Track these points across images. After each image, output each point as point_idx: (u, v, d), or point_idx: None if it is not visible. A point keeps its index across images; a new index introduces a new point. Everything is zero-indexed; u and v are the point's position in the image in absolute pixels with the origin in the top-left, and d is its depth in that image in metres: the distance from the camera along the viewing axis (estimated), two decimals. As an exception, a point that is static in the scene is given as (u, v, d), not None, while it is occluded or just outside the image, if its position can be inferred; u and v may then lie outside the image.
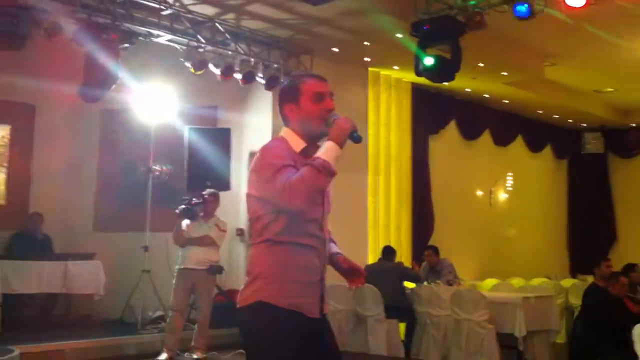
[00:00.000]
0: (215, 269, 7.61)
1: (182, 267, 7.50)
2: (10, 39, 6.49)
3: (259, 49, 8.84)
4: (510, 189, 13.64)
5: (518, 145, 13.89)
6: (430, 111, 11.72)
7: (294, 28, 8.62)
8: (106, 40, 7.12)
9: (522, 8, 7.17)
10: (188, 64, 8.11)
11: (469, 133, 12.67)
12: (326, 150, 2.63)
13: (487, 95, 12.09)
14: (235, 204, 8.98)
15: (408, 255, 10.93)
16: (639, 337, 5.28)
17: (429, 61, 8.05)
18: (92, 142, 9.86)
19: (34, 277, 8.29)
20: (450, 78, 8.38)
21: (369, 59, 9.90)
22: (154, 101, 8.84)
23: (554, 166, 15.13)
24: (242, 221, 9.36)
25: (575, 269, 14.28)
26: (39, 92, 8.64)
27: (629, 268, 7.94)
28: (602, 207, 15.10)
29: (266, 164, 2.66)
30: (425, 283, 8.44)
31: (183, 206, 7.56)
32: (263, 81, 8.72)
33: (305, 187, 2.55)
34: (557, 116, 13.75)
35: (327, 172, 2.58)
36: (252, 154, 9.04)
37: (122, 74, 7.62)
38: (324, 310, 2.81)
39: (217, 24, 8.25)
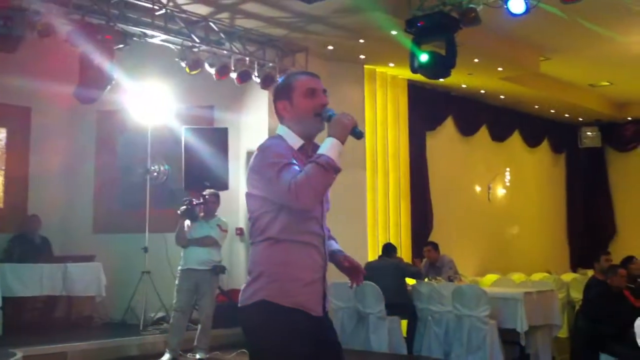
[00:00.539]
0: (219, 269, 7.62)
1: (185, 267, 7.50)
2: (4, 41, 6.46)
3: (253, 47, 8.84)
4: (509, 184, 13.65)
5: (515, 141, 13.90)
6: (427, 108, 11.72)
7: (289, 26, 8.61)
8: (100, 41, 7.10)
9: (518, 4, 7.18)
10: (183, 64, 8.10)
11: (466, 129, 12.67)
12: (328, 146, 2.62)
13: (483, 91, 12.09)
14: (234, 204, 8.99)
15: (408, 252, 10.93)
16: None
17: (424, 58, 8.07)
18: (88, 143, 9.86)
19: (34, 280, 8.31)
20: (446, 74, 8.40)
21: (364, 57, 9.89)
22: (150, 102, 8.87)
23: (551, 161, 15.14)
24: (242, 220, 9.37)
25: (576, 263, 14.31)
26: (35, 93, 8.67)
27: (628, 260, 7.94)
28: (601, 201, 15.13)
29: (268, 163, 2.64)
30: (425, 280, 8.44)
31: (184, 207, 7.56)
32: (258, 80, 8.71)
33: (312, 185, 2.54)
34: (553, 111, 13.76)
35: (332, 169, 2.57)
36: (249, 153, 9.05)
37: (118, 75, 7.61)
38: (326, 308, 2.81)
39: (211, 23, 8.24)
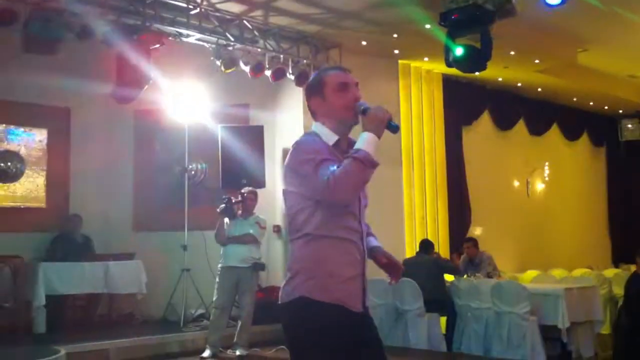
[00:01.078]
0: (259, 266, 7.66)
1: (225, 265, 7.55)
2: (44, 44, 6.61)
3: (287, 45, 8.88)
4: (547, 178, 13.47)
5: (553, 134, 13.71)
6: (463, 102, 11.63)
7: (322, 22, 8.63)
8: (136, 42, 7.22)
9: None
10: (218, 63, 8.17)
11: (503, 123, 12.54)
12: (365, 141, 2.59)
13: (520, 84, 11.95)
14: (271, 201, 9.04)
15: (446, 248, 10.87)
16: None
17: (459, 51, 8.01)
18: (127, 142, 9.98)
19: (76, 278, 8.42)
20: (482, 68, 8.31)
21: (398, 51, 9.86)
22: (186, 101, 8.96)
23: (591, 154, 14.90)
24: (279, 218, 9.42)
25: (618, 259, 14.04)
26: (74, 94, 8.80)
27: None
28: (642, 194, 14.84)
29: (304, 159, 2.63)
30: (464, 276, 8.38)
31: (223, 205, 7.61)
32: (293, 77, 8.75)
33: (350, 180, 2.52)
34: (592, 103, 13.54)
35: (370, 163, 2.55)
36: (285, 151, 9.08)
37: (154, 75, 7.72)
38: (365, 304, 2.78)
39: (245, 22, 8.31)
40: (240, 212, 7.72)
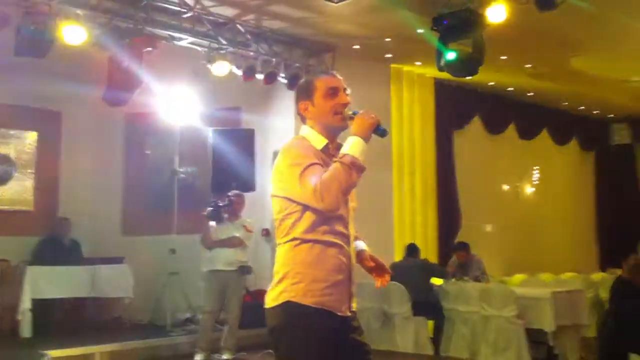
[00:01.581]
0: (246, 270, 7.64)
1: (212, 269, 7.52)
2: (34, 46, 6.56)
3: (280, 48, 8.85)
4: (537, 182, 13.50)
5: (543, 138, 13.72)
6: (454, 106, 11.62)
7: (315, 26, 8.61)
8: (128, 45, 7.17)
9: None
10: (210, 66, 8.14)
11: (494, 127, 12.55)
12: (352, 145, 2.62)
13: (511, 88, 11.97)
14: (261, 205, 8.97)
15: (434, 252, 10.86)
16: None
17: (450, 56, 7.98)
18: (117, 146, 9.97)
19: (63, 282, 8.46)
20: (473, 72, 8.31)
21: (390, 55, 9.85)
22: (177, 104, 8.92)
23: (580, 158, 14.93)
24: (268, 221, 9.38)
25: (605, 263, 14.07)
26: (65, 98, 8.76)
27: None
28: (631, 199, 14.87)
29: (291, 163, 2.65)
30: (453, 280, 8.38)
31: (210, 208, 7.59)
32: (285, 81, 8.72)
33: (337, 185, 2.54)
34: (582, 107, 13.58)
35: (357, 168, 2.58)
36: (276, 154, 9.00)
37: (146, 78, 7.68)
38: (352, 308, 2.79)
39: (237, 25, 8.27)
40: (226, 215, 7.67)
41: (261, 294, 8.50)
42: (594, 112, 14.00)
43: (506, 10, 7.41)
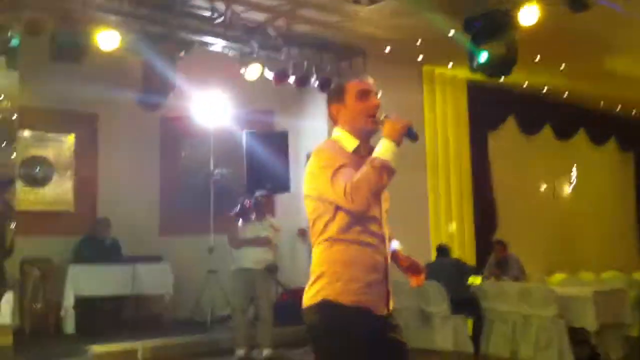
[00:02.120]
0: (273, 268, 7.75)
1: (239, 267, 7.64)
2: (71, 52, 6.75)
3: (311, 52, 8.91)
4: (575, 182, 13.34)
5: (580, 139, 13.55)
6: (488, 107, 11.54)
7: (345, 30, 8.66)
8: (162, 49, 7.33)
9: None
10: (242, 70, 8.26)
11: (529, 128, 12.44)
12: (383, 149, 2.67)
13: (546, 89, 11.85)
14: (296, 205, 9.05)
15: (472, 253, 10.84)
16: None
17: (483, 57, 7.99)
18: (153, 148, 10.15)
19: (104, 280, 8.64)
20: (506, 73, 8.29)
21: (422, 58, 9.84)
22: (211, 107, 9.08)
23: (619, 158, 14.69)
24: (304, 221, 9.45)
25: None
26: (101, 101, 8.94)
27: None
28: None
29: (323, 165, 2.71)
30: (491, 278, 8.38)
31: (238, 208, 7.75)
32: (317, 84, 8.80)
33: (366, 187, 2.59)
34: (620, 107, 13.36)
35: (387, 171, 2.62)
36: (308, 156, 9.12)
37: (179, 82, 7.83)
38: (390, 308, 2.83)
39: (268, 30, 8.37)
40: (254, 215, 7.78)
41: (298, 292, 8.61)
42: (632, 112, 13.76)
43: (539, 11, 7.39)
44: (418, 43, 9.12)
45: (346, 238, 2.73)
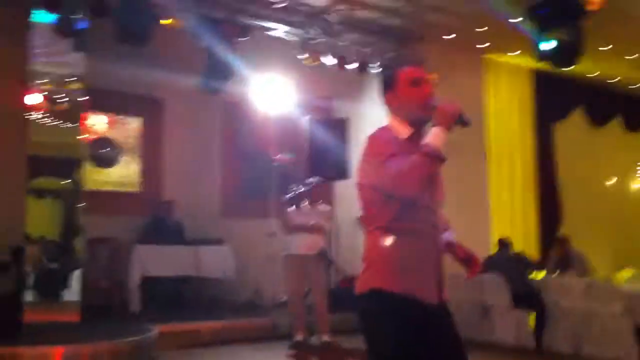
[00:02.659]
0: (324, 254, 7.79)
1: (291, 253, 7.67)
2: (135, 35, 6.90)
3: (371, 38, 8.91)
4: (645, 176, 12.91)
5: (652, 131, 13.07)
6: (554, 98, 11.24)
7: (407, 16, 8.60)
8: (223, 34, 7.45)
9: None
10: (303, 56, 8.31)
11: (598, 119, 12.08)
12: (433, 136, 2.66)
13: (616, 79, 11.48)
14: (355, 192, 9.10)
15: (534, 246, 10.63)
16: None
17: (549, 46, 7.81)
18: (216, 132, 10.29)
19: (168, 261, 8.83)
20: (573, 62, 8.09)
21: (485, 45, 9.68)
22: (272, 93, 9.18)
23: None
24: (362, 209, 9.47)
25: None
26: (167, 85, 9.08)
27: None
28: None
29: (375, 152, 2.72)
30: (555, 273, 8.23)
31: (290, 194, 7.79)
32: (377, 70, 8.78)
33: (416, 174, 2.58)
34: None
35: (436, 158, 2.61)
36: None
37: (241, 67, 7.95)
38: (442, 297, 2.81)
39: (329, 15, 8.40)
40: (307, 201, 7.83)
41: (357, 279, 8.62)
42: None
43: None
44: (481, 30, 8.97)
45: (398, 227, 2.73)
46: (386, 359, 2.71)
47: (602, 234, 11.66)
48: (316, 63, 8.43)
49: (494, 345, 7.90)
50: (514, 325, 7.90)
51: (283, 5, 7.95)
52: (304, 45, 8.32)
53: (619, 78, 11.42)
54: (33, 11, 6.99)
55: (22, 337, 6.45)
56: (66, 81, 8.99)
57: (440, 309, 2.79)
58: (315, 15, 8.33)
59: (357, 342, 7.48)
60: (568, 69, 9.22)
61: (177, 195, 9.65)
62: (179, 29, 7.25)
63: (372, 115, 9.52)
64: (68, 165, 9.60)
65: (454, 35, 9.14)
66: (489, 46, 9.72)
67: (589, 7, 7.05)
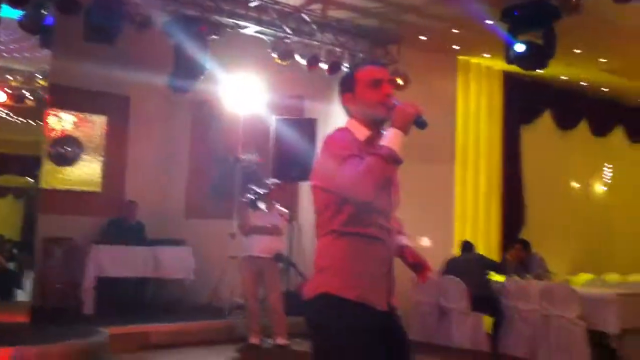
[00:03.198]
0: (280, 257, 7.74)
1: (248, 254, 7.61)
2: (103, 33, 6.72)
3: (345, 38, 8.81)
4: (609, 181, 13.05)
5: (617, 136, 13.23)
6: (523, 100, 11.30)
7: (381, 17, 8.51)
8: (195, 32, 7.28)
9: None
10: (274, 55, 8.18)
11: (565, 123, 12.16)
12: (390, 137, 2.59)
13: (584, 83, 11.58)
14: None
15: (497, 249, 10.65)
16: None
17: (520, 48, 7.83)
18: (183, 131, 10.14)
19: (126, 262, 8.69)
20: (543, 65, 8.15)
21: (458, 47, 9.66)
22: (242, 92, 9.02)
23: (657, 158, 14.34)
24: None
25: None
26: (134, 83, 8.91)
27: None
28: None
29: (331, 154, 2.63)
30: (513, 276, 8.23)
31: (249, 195, 7.73)
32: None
33: (372, 177, 2.51)
34: (661, 105, 13.02)
35: (393, 160, 2.55)
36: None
37: (211, 65, 7.78)
38: (392, 304, 2.76)
39: (303, 15, 8.27)
40: (264, 203, 7.74)
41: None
42: (673, 110, 13.40)
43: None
44: (455, 32, 8.93)
45: (351, 231, 2.65)
46: None
47: (563, 238, 11.77)
48: (288, 62, 8.26)
49: (450, 348, 7.94)
50: (471, 329, 7.93)
51: (256, 4, 7.78)
52: (276, 44, 8.15)
53: (587, 82, 11.52)
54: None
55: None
56: (31, 78, 8.73)
57: (390, 315, 2.74)
58: (288, 14, 8.18)
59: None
60: (538, 71, 9.29)
61: (141, 196, 9.49)
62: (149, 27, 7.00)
63: (341, 116, 9.40)
64: (31, 164, 9.32)
65: (428, 37, 9.09)
66: (462, 48, 9.70)
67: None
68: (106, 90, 9.36)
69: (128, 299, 8.81)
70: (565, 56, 9.09)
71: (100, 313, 8.15)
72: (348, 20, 8.64)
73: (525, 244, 8.94)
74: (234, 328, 8.20)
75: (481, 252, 9.13)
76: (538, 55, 7.87)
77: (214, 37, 7.62)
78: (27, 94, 8.87)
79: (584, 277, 9.95)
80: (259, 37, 8.27)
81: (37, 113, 8.87)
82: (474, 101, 10.61)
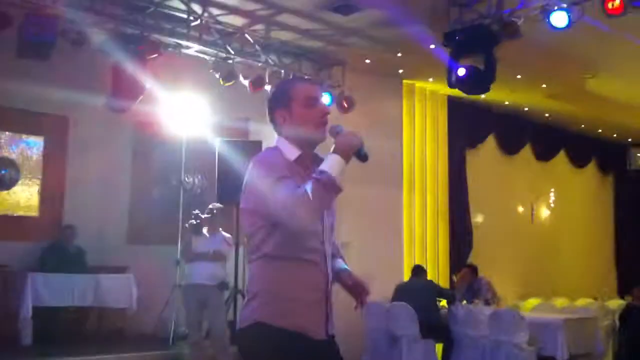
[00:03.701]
0: (224, 285, 7.51)
1: (191, 282, 7.37)
2: (36, 49, 6.53)
3: (289, 60, 8.80)
4: (553, 205, 13.27)
5: (561, 160, 13.53)
6: (468, 124, 11.48)
7: (325, 39, 8.55)
8: (134, 51, 7.14)
9: (560, 17, 6.95)
10: (217, 76, 8.09)
11: (509, 147, 12.39)
12: (332, 164, 2.42)
13: (527, 108, 11.79)
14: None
15: (445, 273, 10.67)
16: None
17: (461, 72, 7.87)
18: (125, 154, 9.88)
19: (65, 290, 8.33)
20: (485, 90, 8.19)
21: (402, 71, 9.73)
22: (185, 113, 8.88)
23: (598, 182, 14.70)
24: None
25: (624, 289, 13.72)
26: (73, 104, 8.63)
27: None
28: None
29: (262, 175, 2.49)
30: (463, 302, 8.21)
31: (192, 221, 7.49)
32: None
33: (311, 203, 2.34)
34: (600, 130, 13.35)
35: (334, 188, 2.39)
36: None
37: (153, 86, 7.64)
38: (330, 331, 2.61)
39: (246, 35, 8.22)
40: (207, 228, 7.53)
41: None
42: (613, 135, 13.75)
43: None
44: (399, 56, 8.99)
45: (283, 255, 2.50)
46: None
47: (510, 261, 11.89)
48: (231, 83, 8.17)
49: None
50: (422, 355, 7.83)
51: (197, 23, 7.68)
52: (219, 65, 8.06)
53: (529, 108, 11.73)
54: None
55: None
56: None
57: (328, 344, 2.60)
58: (231, 35, 8.11)
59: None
60: (481, 96, 9.40)
61: (80, 220, 9.15)
62: (86, 44, 6.84)
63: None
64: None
65: (373, 60, 9.13)
66: (406, 72, 9.77)
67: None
68: (43, 111, 9.08)
69: (68, 329, 8.47)
70: (507, 82, 9.25)
71: (39, 344, 7.79)
72: (292, 42, 8.63)
73: (473, 268, 8.95)
74: (178, 359, 7.94)
75: (430, 277, 9.11)
76: (479, 80, 7.91)
77: (154, 56, 7.47)
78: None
79: (533, 301, 10.01)
80: (202, 57, 8.17)
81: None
82: (420, 125, 10.69)
